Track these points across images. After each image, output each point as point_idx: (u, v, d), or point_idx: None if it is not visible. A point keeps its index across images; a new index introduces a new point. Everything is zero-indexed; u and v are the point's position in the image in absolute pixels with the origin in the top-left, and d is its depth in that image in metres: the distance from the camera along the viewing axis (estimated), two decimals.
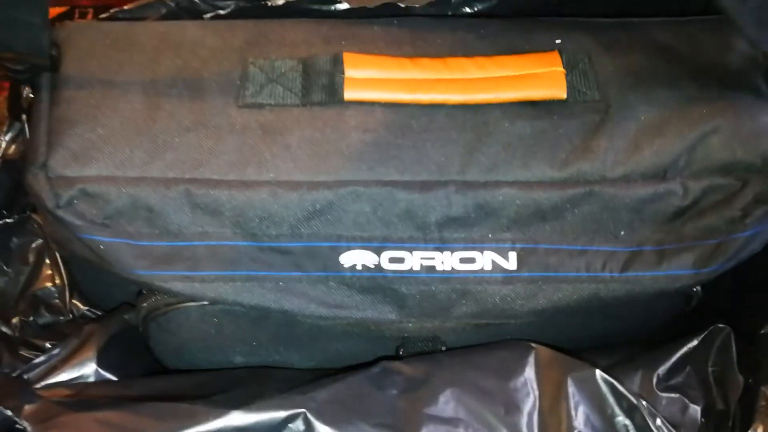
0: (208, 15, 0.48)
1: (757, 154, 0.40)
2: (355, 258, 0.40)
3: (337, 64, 0.42)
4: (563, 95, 0.42)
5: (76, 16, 0.56)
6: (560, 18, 0.46)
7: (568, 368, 0.40)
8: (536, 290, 0.41)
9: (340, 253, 0.40)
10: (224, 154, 0.39)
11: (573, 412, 0.39)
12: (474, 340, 0.44)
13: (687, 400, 0.43)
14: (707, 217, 0.41)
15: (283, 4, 0.46)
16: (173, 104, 0.41)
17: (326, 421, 0.38)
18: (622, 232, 0.41)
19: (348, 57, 0.42)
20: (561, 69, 0.42)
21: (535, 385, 0.40)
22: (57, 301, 0.52)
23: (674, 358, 0.44)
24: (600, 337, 0.46)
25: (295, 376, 0.43)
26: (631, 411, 0.40)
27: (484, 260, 0.41)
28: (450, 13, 0.48)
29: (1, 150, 0.49)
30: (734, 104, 0.41)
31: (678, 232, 0.41)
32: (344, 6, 0.47)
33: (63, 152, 0.39)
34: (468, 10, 0.48)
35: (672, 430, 0.40)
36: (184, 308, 0.42)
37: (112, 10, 0.48)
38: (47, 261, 0.53)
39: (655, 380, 0.43)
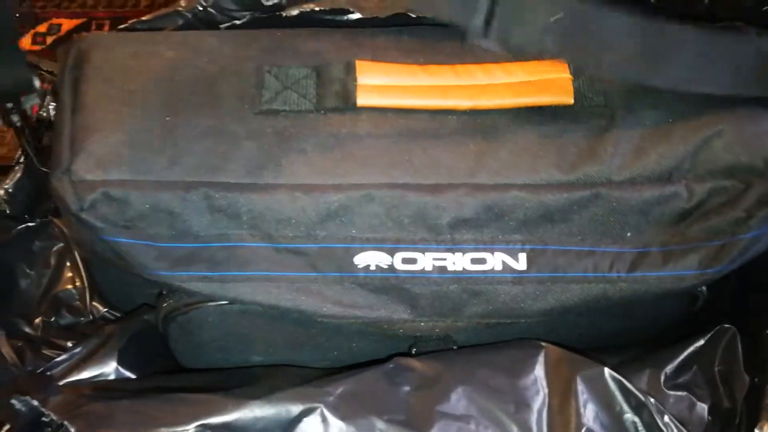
0: (225, 25, 0.49)
1: (760, 157, 0.40)
2: (369, 259, 0.41)
3: (350, 71, 0.42)
4: (570, 101, 0.42)
5: (93, 27, 0.57)
6: None
7: (577, 366, 0.40)
8: (545, 290, 0.41)
9: (354, 255, 0.41)
10: (242, 159, 0.40)
11: (582, 410, 0.39)
12: (485, 339, 0.44)
13: (694, 399, 0.43)
14: (712, 219, 0.41)
15: (298, 15, 0.47)
16: (191, 111, 0.41)
17: (341, 416, 0.38)
18: (629, 234, 0.41)
19: (360, 65, 0.42)
20: (568, 75, 0.43)
21: (544, 383, 0.40)
22: (78, 302, 0.53)
23: (681, 358, 0.44)
24: (608, 336, 0.47)
25: (310, 374, 0.43)
26: (639, 408, 0.40)
27: (495, 261, 0.41)
28: None
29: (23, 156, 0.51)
30: (737, 109, 0.41)
31: (683, 233, 0.41)
32: (357, 16, 0.47)
33: (86, 157, 0.39)
34: None
35: (680, 427, 0.40)
36: (203, 308, 0.43)
37: (130, 21, 0.48)
38: (68, 264, 0.53)
39: (662, 379, 0.43)
